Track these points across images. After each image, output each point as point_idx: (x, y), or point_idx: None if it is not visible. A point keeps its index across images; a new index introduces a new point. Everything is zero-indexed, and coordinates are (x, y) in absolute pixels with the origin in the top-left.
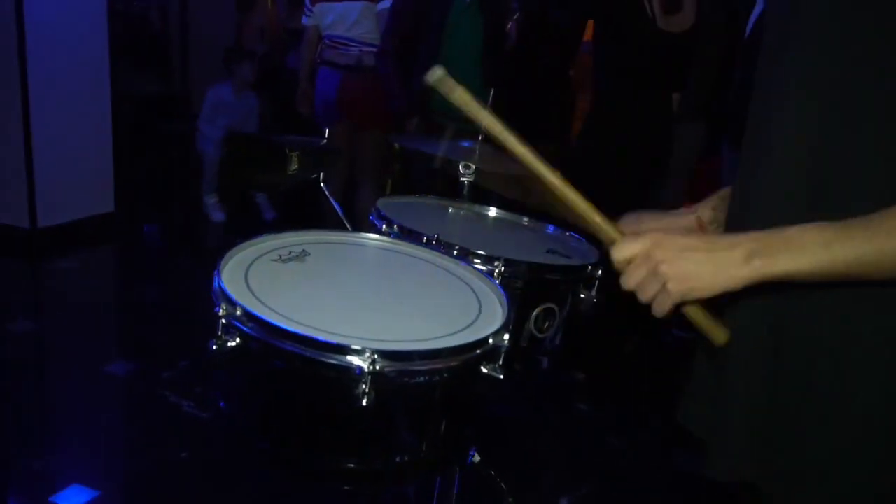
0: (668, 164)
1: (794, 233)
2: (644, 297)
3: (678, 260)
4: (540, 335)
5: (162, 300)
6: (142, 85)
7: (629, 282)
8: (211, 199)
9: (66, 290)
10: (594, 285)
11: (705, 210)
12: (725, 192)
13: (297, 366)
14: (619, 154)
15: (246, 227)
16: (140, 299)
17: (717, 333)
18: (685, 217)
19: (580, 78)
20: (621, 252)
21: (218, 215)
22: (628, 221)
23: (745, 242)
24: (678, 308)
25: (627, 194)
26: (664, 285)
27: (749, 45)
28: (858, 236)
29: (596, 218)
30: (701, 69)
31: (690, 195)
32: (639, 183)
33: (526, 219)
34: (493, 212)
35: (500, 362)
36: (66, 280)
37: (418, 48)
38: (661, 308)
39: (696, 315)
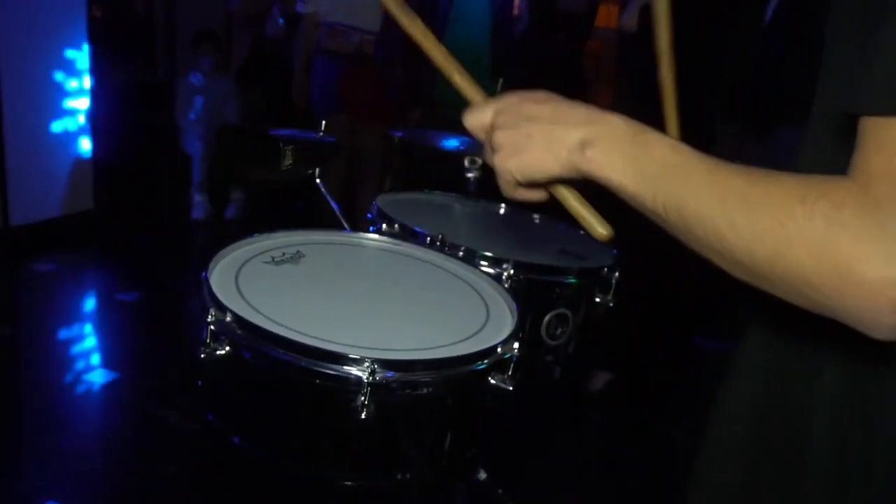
0: None
1: (645, 139)
2: (496, 172)
3: (512, 129)
4: (552, 343)
5: (146, 304)
6: (123, 72)
7: (484, 155)
8: (200, 198)
9: (42, 294)
10: (611, 289)
11: None
12: None
13: (292, 376)
14: None
15: (235, 226)
16: (122, 303)
17: (597, 226)
18: None
19: (592, 66)
20: (470, 118)
21: (197, 212)
22: None
23: (593, 125)
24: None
25: None
26: (495, 156)
27: (770, 30)
28: (693, 182)
29: (455, 77)
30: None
31: None
32: None
33: (537, 217)
34: (501, 209)
35: (510, 373)
36: (42, 282)
37: None
38: (503, 188)
39: (567, 199)
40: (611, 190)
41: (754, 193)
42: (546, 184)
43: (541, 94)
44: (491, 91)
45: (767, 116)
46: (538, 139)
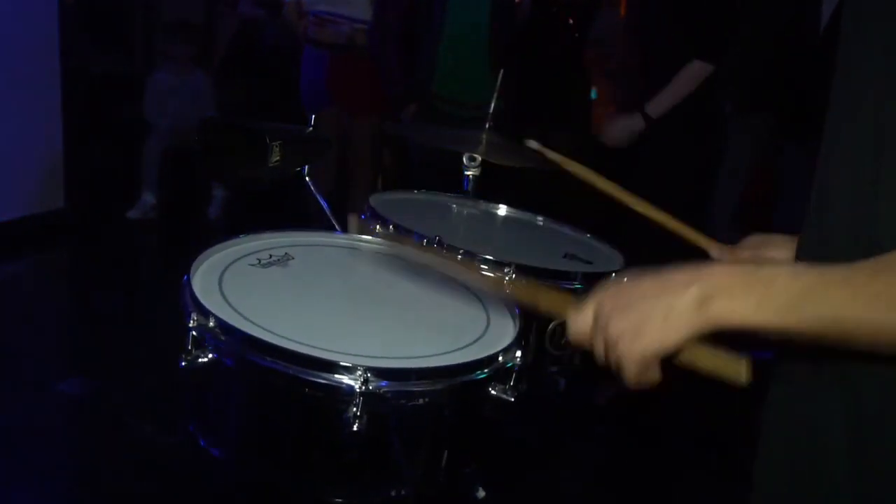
0: (720, 162)
1: (764, 276)
2: (614, 370)
3: (624, 314)
4: (556, 352)
5: (122, 309)
6: (97, 63)
7: (597, 356)
8: (149, 198)
9: (10, 298)
10: None
11: None
12: None
13: (279, 385)
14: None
15: (219, 226)
16: (97, 308)
17: (734, 371)
18: None
19: (595, 59)
20: (575, 326)
21: (135, 214)
22: (750, 244)
23: (703, 280)
24: (671, 366)
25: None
26: (616, 348)
27: (827, 36)
28: (836, 297)
29: (543, 302)
30: (754, 55)
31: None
32: (689, 184)
33: (540, 218)
34: (502, 210)
35: (511, 383)
36: (11, 286)
37: (417, 25)
38: (628, 378)
39: (695, 363)
40: (746, 332)
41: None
42: (675, 355)
43: (629, 276)
44: (492, 83)
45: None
46: (654, 315)
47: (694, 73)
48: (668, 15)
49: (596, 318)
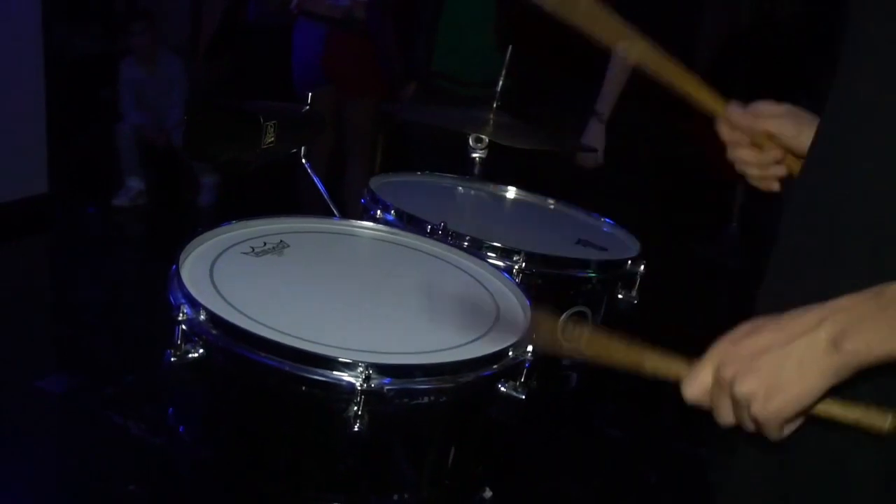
0: None
1: (887, 295)
2: (748, 429)
3: (750, 373)
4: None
5: (107, 301)
6: (80, 45)
7: (721, 418)
8: (135, 183)
9: None
10: (635, 284)
11: None
12: None
13: (274, 382)
14: None
15: (208, 212)
16: (80, 300)
17: (875, 419)
18: None
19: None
20: (691, 390)
21: (120, 201)
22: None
23: (831, 318)
24: (808, 418)
25: None
26: (750, 411)
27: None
28: None
29: (648, 365)
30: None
31: None
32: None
33: (552, 202)
34: (511, 193)
35: (522, 380)
36: None
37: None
38: (771, 436)
39: (831, 413)
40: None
41: None
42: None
43: (748, 325)
44: (494, 60)
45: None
46: (788, 367)
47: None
48: None
49: (717, 379)
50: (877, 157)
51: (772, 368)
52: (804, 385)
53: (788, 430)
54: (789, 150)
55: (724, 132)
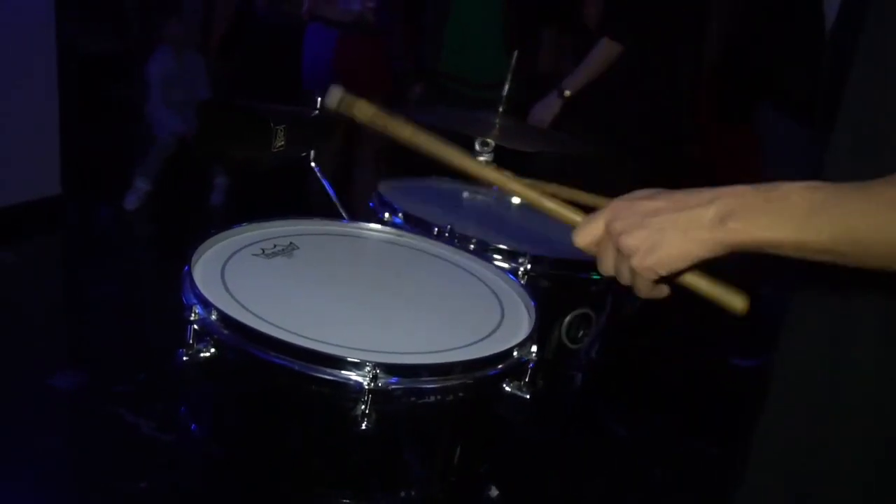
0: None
1: (779, 193)
2: (622, 280)
3: (638, 228)
4: (573, 346)
5: (118, 300)
6: (93, 46)
7: (603, 267)
8: (143, 184)
9: (2, 287)
10: None
11: None
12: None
13: (284, 381)
14: None
15: (220, 214)
16: (92, 298)
17: (733, 300)
18: None
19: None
20: (581, 236)
21: (132, 203)
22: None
23: (722, 199)
24: (671, 285)
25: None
26: (629, 262)
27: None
28: (852, 206)
29: (547, 204)
30: None
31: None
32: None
33: None
34: (516, 197)
35: (527, 379)
36: (3, 275)
37: (426, 1)
38: (641, 290)
39: (697, 284)
40: (766, 251)
41: None
42: (683, 272)
43: (646, 191)
44: (505, 65)
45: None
46: (672, 229)
47: (603, 51)
48: None
49: (608, 230)
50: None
51: (658, 228)
52: (682, 248)
53: (658, 291)
54: None
55: None
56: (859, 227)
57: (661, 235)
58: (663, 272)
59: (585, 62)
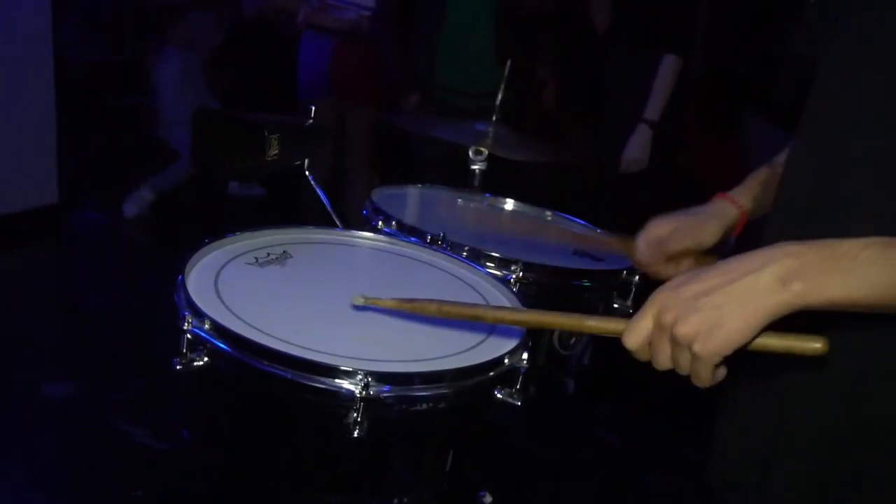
0: None
1: (846, 248)
2: (681, 371)
3: (693, 313)
4: (564, 353)
5: (113, 308)
6: (90, 51)
7: (658, 362)
8: (148, 194)
9: None
10: (631, 294)
11: (744, 198)
12: (763, 173)
13: (277, 390)
14: None
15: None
16: (86, 307)
17: (810, 345)
18: (719, 212)
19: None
20: (632, 339)
21: (131, 210)
22: (649, 234)
23: (778, 261)
24: (741, 357)
25: None
26: (691, 350)
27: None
28: None
29: (589, 323)
30: None
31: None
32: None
33: (549, 213)
34: (509, 205)
35: (518, 386)
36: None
37: (418, 11)
38: (703, 379)
39: (768, 345)
40: (834, 309)
41: None
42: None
43: (686, 274)
44: (495, 71)
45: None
46: (729, 304)
47: (671, 68)
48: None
49: (659, 324)
50: (850, 166)
51: (714, 307)
52: (745, 320)
53: (720, 374)
54: (696, 252)
55: (639, 264)
56: None
57: (719, 314)
58: (730, 351)
59: (659, 84)
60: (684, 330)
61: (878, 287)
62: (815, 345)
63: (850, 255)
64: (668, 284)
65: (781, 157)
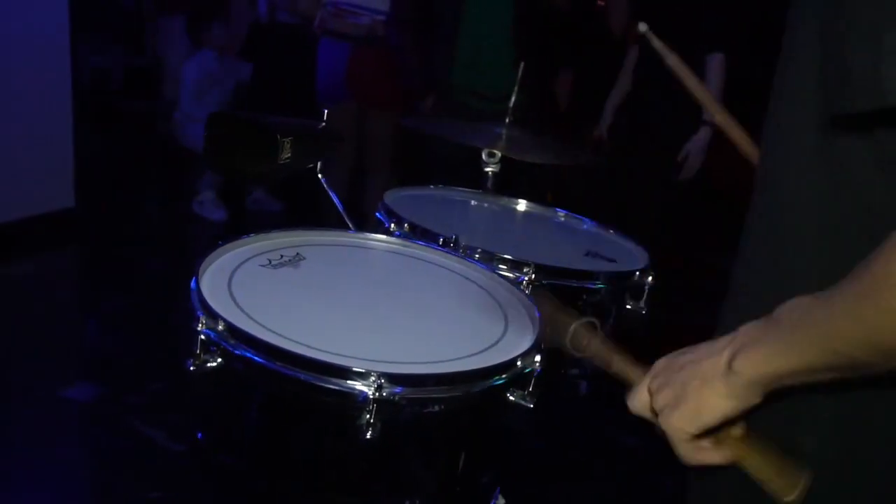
0: None
1: (775, 317)
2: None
3: (666, 387)
4: (578, 355)
5: (130, 312)
6: (107, 57)
7: (657, 429)
8: (209, 196)
9: (17, 300)
10: (644, 295)
11: None
12: None
13: (290, 391)
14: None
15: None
16: (105, 310)
17: (781, 488)
18: None
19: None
20: (632, 403)
21: (218, 213)
22: None
23: (737, 338)
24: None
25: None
26: (661, 420)
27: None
28: (819, 314)
29: (614, 365)
30: None
31: None
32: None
33: (562, 214)
34: (522, 206)
35: (531, 388)
36: (18, 287)
37: (435, 15)
38: (680, 453)
39: (746, 459)
40: (786, 386)
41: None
42: (720, 427)
43: (683, 350)
44: (513, 76)
45: None
46: (692, 383)
47: (719, 67)
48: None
49: (649, 390)
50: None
51: (681, 383)
52: (701, 401)
53: (704, 456)
54: None
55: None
56: (836, 336)
57: (682, 390)
58: (691, 429)
59: (710, 84)
60: (657, 401)
61: (811, 352)
62: (785, 492)
63: (775, 323)
64: (672, 353)
65: None
